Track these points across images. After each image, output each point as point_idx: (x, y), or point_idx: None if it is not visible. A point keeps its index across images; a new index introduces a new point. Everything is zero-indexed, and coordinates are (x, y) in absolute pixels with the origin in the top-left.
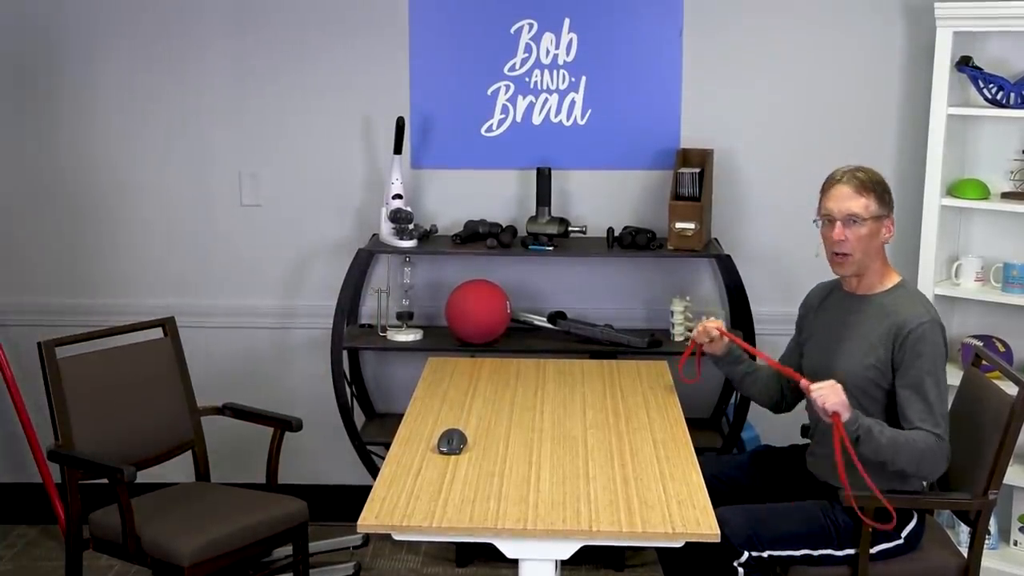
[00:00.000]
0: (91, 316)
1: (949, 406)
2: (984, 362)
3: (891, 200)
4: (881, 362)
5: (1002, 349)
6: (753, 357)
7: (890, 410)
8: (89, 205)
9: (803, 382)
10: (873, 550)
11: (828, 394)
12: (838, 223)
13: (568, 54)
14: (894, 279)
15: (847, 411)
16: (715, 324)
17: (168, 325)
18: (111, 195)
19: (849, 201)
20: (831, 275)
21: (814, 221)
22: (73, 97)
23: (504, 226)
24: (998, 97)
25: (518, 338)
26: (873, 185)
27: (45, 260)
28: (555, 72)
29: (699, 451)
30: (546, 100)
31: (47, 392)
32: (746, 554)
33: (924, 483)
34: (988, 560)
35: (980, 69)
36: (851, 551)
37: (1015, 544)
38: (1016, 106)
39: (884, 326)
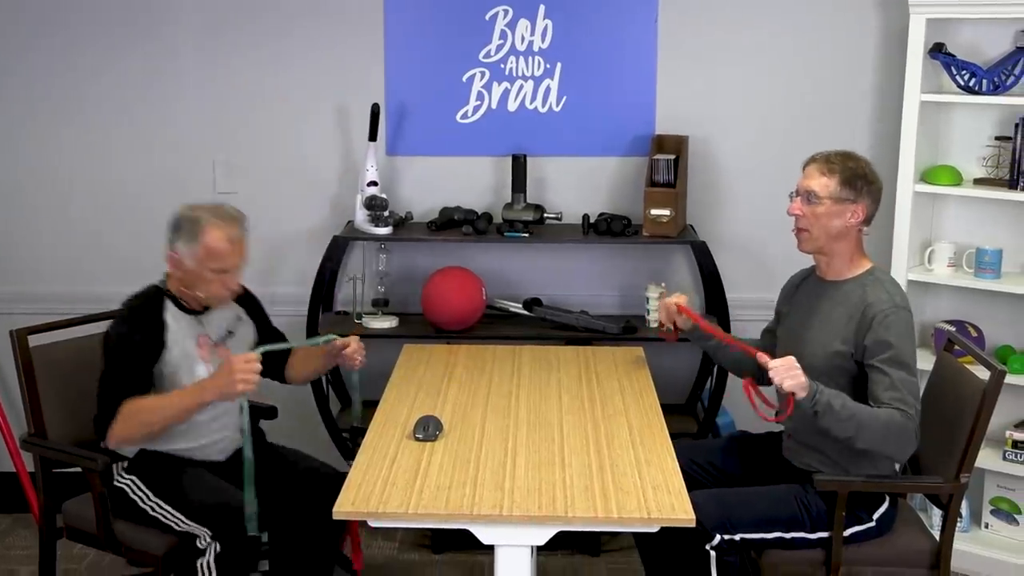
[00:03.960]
0: (64, 304)
1: (921, 390)
2: (957, 347)
3: (865, 188)
4: (847, 346)
5: (974, 334)
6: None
7: (857, 396)
8: (62, 193)
9: (760, 357)
10: (846, 533)
11: (783, 374)
12: (798, 198)
13: (543, 40)
14: (865, 266)
15: (803, 390)
16: (675, 300)
17: None
18: (85, 183)
19: (811, 179)
20: (806, 262)
21: (789, 195)
22: (45, 85)
23: (479, 213)
24: (971, 84)
25: (494, 325)
26: (842, 169)
27: (17, 248)
28: (530, 59)
29: (674, 436)
30: (521, 87)
31: (19, 381)
32: (718, 537)
33: (896, 466)
34: (960, 543)
35: (953, 56)
36: (824, 534)
37: (986, 527)
38: (989, 92)
39: (849, 312)
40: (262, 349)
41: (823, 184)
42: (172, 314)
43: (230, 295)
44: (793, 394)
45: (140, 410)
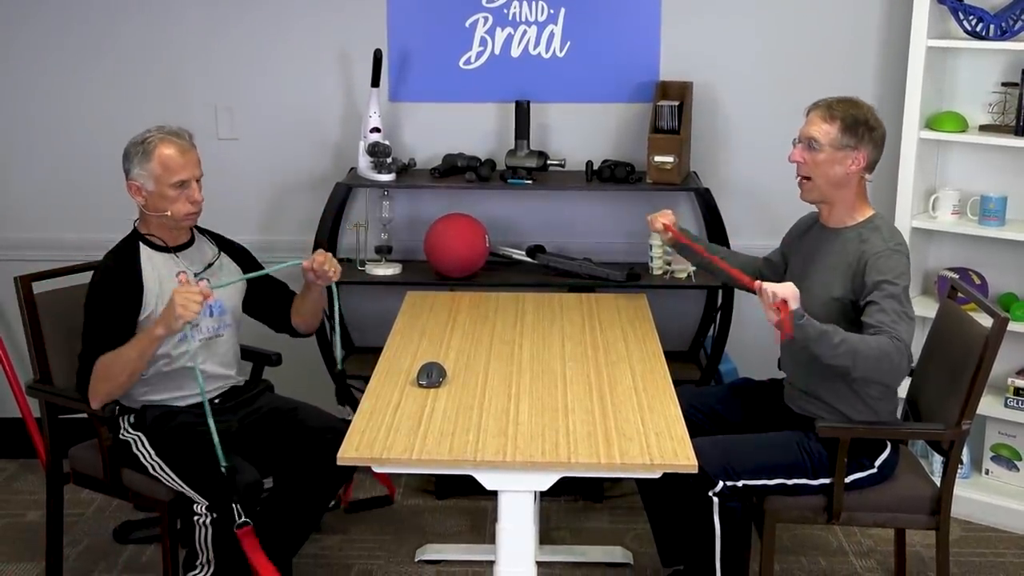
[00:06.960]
0: (70, 251)
1: (924, 337)
2: (960, 294)
3: (867, 135)
4: (846, 294)
5: (977, 281)
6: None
7: None
8: (68, 140)
9: (756, 284)
10: (847, 479)
11: (778, 287)
12: (799, 145)
13: None
14: (866, 213)
15: (794, 300)
16: (662, 219)
17: None
18: (90, 131)
19: (812, 126)
20: (809, 208)
21: (793, 141)
22: (54, 35)
23: (483, 160)
24: (978, 29)
25: (497, 272)
26: (843, 115)
27: (24, 194)
28: (534, 4)
29: (677, 383)
30: (525, 32)
31: (24, 327)
32: (720, 484)
33: (898, 412)
34: (960, 489)
35: (960, 0)
36: (826, 480)
37: (987, 473)
38: (996, 38)
39: (848, 260)
40: (214, 285)
41: (824, 131)
42: (148, 256)
43: (196, 209)
44: (785, 303)
45: (106, 364)
